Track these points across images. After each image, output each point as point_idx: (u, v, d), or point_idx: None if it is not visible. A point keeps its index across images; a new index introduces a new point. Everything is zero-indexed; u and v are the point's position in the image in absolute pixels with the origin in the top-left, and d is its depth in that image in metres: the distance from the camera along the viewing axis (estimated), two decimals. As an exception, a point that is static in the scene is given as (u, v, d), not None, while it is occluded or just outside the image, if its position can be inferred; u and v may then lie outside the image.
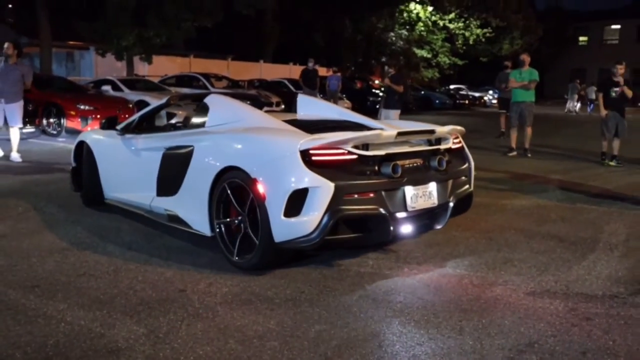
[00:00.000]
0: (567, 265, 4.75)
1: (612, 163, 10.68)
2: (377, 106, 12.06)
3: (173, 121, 6.62)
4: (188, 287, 4.11)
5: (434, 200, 4.57)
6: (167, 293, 4.00)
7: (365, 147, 4.24)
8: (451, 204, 4.71)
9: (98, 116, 13.28)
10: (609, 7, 52.49)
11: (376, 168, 4.25)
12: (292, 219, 4.06)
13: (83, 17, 22.63)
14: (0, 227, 5.58)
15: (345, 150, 4.15)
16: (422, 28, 35.34)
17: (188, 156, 4.88)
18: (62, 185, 7.46)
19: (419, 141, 4.80)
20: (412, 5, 34.43)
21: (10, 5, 32.34)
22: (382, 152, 4.31)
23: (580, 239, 5.55)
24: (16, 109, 9.71)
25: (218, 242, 4.62)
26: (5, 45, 9.52)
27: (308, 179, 4.02)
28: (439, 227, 4.77)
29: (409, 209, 4.39)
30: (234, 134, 4.78)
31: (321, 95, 19.16)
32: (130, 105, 14.24)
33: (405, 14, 34.83)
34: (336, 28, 32.98)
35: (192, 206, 4.85)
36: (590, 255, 5.03)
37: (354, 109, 22.17)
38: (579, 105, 31.88)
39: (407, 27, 35.11)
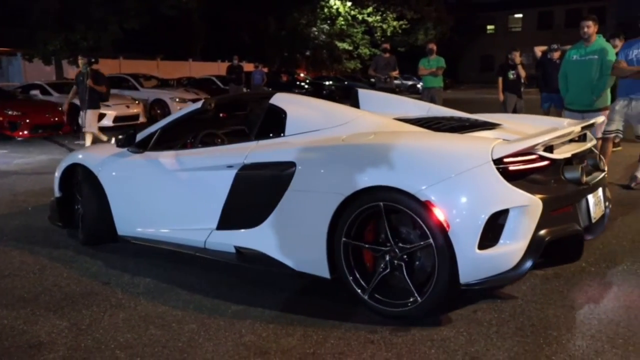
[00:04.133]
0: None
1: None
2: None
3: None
4: (112, 280, 4.08)
5: (602, 207, 3.71)
6: (91, 287, 3.96)
7: (550, 149, 3.27)
8: (607, 210, 3.86)
9: (27, 121, 12.84)
10: (513, -3, 54.29)
11: (560, 174, 3.33)
12: (488, 252, 3.00)
13: (7, 22, 21.67)
14: None
15: (537, 155, 3.18)
16: (343, 22, 35.76)
17: (285, 176, 3.58)
18: (-10, 191, 7.21)
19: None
20: (332, 1, 34.74)
21: None
22: (567, 154, 3.37)
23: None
24: None
25: (350, 286, 3.40)
26: None
27: (510, 196, 3.01)
28: (590, 237, 3.64)
29: (592, 220, 3.53)
30: (371, 143, 3.44)
31: (247, 90, 19.13)
32: (60, 109, 13.79)
33: (325, 10, 35.14)
34: (261, 25, 32.86)
35: (293, 242, 3.62)
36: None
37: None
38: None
39: (329, 21, 35.46)
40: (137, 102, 16.13)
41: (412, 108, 4.66)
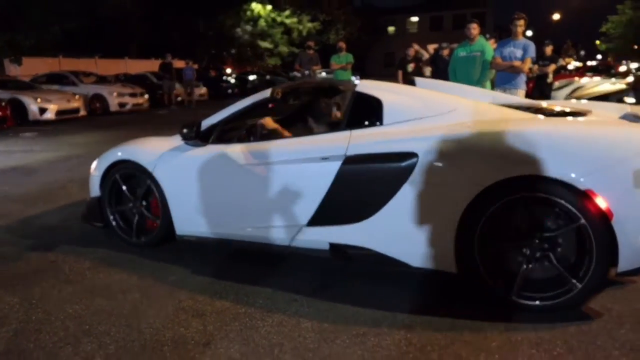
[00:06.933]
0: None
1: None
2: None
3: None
4: (59, 258, 3.90)
5: None
6: (39, 265, 3.77)
7: None
8: None
9: (-28, 116, 11.96)
10: (410, 3, 55.66)
11: None
12: None
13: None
14: None
15: None
16: (264, 24, 35.32)
17: (404, 168, 2.95)
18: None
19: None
20: (253, 5, 34.25)
21: None
22: None
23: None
24: None
25: (484, 281, 2.91)
26: None
27: None
28: None
29: None
30: (508, 130, 2.81)
31: (180, 85, 18.66)
32: (3, 104, 12.91)
33: (248, 12, 34.59)
34: (191, 26, 31.95)
35: (411, 237, 2.98)
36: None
37: (210, 93, 21.80)
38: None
39: (251, 23, 34.91)
40: (77, 96, 15.35)
41: (479, 95, 3.99)
